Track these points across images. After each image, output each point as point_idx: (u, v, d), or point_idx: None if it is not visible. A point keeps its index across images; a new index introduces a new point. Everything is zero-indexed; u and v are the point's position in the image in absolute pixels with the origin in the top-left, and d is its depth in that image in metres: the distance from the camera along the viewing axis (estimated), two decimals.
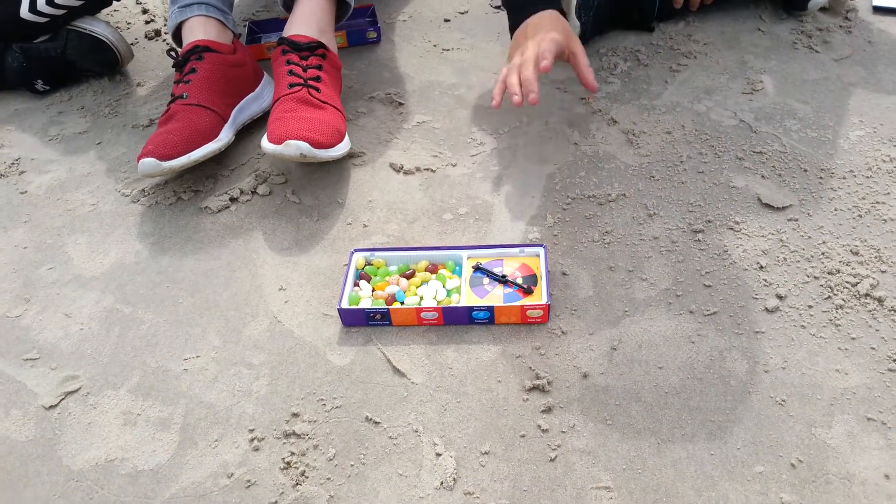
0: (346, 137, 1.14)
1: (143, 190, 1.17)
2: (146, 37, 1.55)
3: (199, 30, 1.20)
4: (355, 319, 0.93)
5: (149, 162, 1.07)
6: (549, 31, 1.09)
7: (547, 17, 1.13)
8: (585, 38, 1.31)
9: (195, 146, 1.10)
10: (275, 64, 1.16)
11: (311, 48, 1.15)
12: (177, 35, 1.26)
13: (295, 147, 1.03)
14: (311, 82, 1.13)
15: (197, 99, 1.13)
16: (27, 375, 0.93)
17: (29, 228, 1.14)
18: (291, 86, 1.11)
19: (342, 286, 0.96)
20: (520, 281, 0.95)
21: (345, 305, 0.93)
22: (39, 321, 0.99)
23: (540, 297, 0.93)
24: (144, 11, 1.62)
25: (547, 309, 0.91)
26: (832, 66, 1.28)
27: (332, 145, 1.09)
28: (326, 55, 1.17)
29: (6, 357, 0.95)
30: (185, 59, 1.17)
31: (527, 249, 0.98)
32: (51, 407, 0.89)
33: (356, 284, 0.97)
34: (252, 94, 1.24)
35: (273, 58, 1.16)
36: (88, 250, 1.09)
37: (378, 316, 0.92)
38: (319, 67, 1.15)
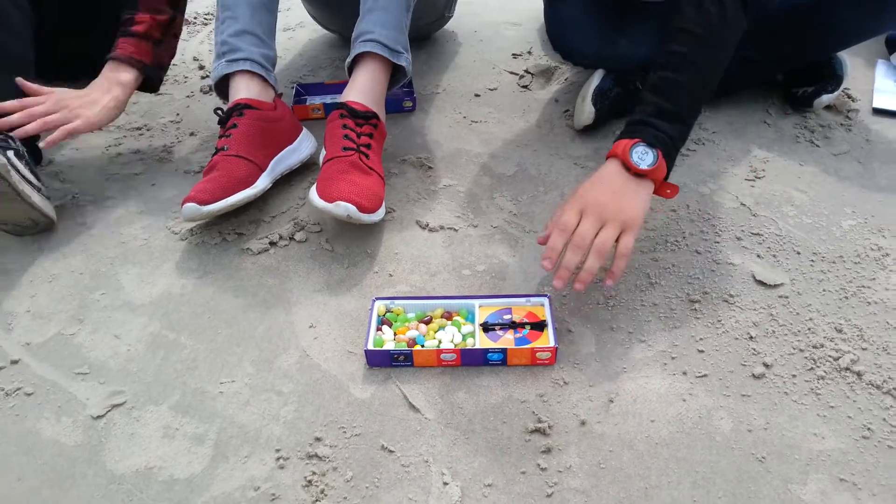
0: (384, 203, 1.25)
1: (192, 230, 1.28)
2: (201, 91, 1.69)
3: (243, 88, 1.31)
4: (380, 360, 1.02)
5: (190, 207, 1.18)
6: (637, 216, 1.02)
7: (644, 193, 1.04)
8: (599, 122, 1.43)
9: (232, 192, 1.22)
10: (331, 125, 1.27)
11: (366, 117, 1.27)
12: (219, 86, 1.37)
13: (344, 208, 1.14)
14: (362, 148, 1.24)
15: (236, 150, 1.25)
16: (78, 388, 1.02)
17: (86, 257, 1.24)
18: (345, 149, 1.22)
19: (367, 330, 1.05)
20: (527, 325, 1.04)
21: (370, 347, 1.03)
22: (91, 340, 1.09)
23: (547, 340, 1.02)
24: (201, 67, 1.77)
25: (554, 351, 1.00)
26: (830, 160, 1.38)
27: (374, 210, 1.20)
28: (378, 125, 1.29)
29: (60, 369, 1.05)
30: (228, 116, 1.29)
31: (532, 299, 1.08)
32: (98, 417, 0.98)
33: (379, 329, 1.06)
34: (290, 147, 1.36)
35: (330, 118, 1.27)
36: (138, 280, 1.19)
37: (402, 357, 1.01)
38: (371, 136, 1.27)
